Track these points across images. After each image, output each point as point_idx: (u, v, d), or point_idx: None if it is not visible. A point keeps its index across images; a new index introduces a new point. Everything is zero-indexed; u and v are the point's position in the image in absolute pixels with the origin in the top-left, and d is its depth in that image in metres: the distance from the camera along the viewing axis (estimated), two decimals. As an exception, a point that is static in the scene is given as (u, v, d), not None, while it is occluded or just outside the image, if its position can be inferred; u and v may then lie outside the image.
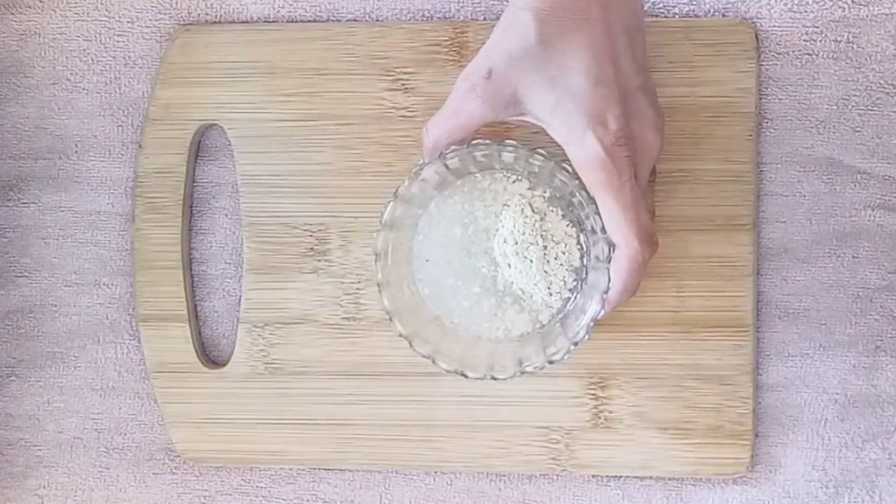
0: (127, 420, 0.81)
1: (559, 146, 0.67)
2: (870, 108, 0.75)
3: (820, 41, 0.75)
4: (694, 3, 0.76)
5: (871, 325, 0.76)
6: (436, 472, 0.79)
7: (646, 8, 0.76)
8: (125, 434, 0.81)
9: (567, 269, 0.70)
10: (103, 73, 0.80)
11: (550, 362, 0.69)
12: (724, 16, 0.76)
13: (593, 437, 0.76)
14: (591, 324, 0.68)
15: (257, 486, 0.80)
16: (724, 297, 0.75)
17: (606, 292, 0.68)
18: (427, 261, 0.72)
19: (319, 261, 0.77)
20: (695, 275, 0.75)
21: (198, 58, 0.78)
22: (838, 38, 0.75)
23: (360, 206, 0.77)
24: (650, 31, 0.71)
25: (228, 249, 0.80)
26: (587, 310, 0.69)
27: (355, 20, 0.78)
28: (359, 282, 0.77)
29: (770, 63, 0.75)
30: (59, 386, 0.81)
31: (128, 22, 0.79)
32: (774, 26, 0.75)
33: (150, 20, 0.79)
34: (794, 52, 0.75)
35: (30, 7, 0.80)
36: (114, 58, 0.79)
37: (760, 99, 0.75)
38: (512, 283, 0.70)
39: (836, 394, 0.76)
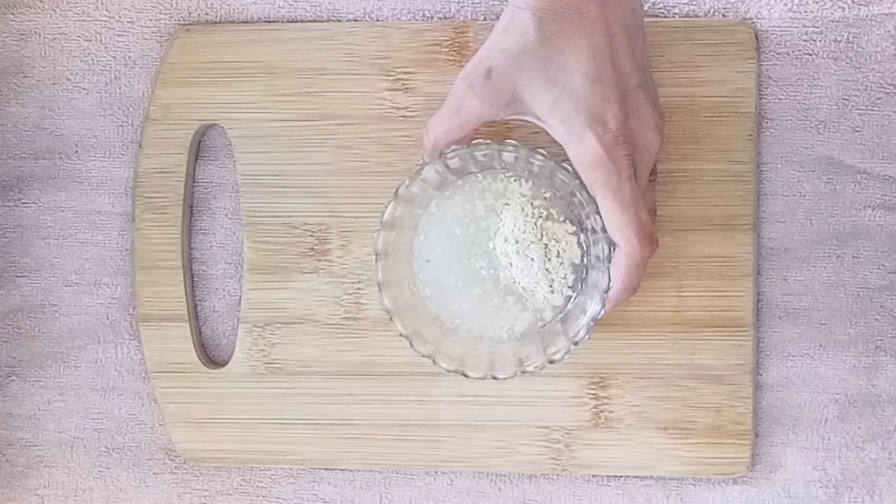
0: (127, 420, 0.81)
1: (559, 146, 0.67)
2: (870, 108, 0.75)
3: (820, 41, 0.75)
4: (694, 3, 0.76)
5: (871, 325, 0.76)
6: (436, 472, 0.79)
7: (646, 8, 0.76)
8: (125, 434, 0.81)
9: (568, 267, 0.70)
10: (103, 73, 0.80)
11: (551, 362, 0.69)
12: (724, 16, 0.76)
13: (593, 437, 0.76)
14: (592, 323, 0.68)
15: (257, 486, 0.80)
16: (723, 296, 0.75)
17: (607, 292, 0.68)
18: (427, 261, 0.72)
19: (319, 261, 0.77)
20: (695, 275, 0.75)
21: (198, 58, 0.78)
22: (838, 38, 0.75)
23: (360, 206, 0.77)
24: (650, 31, 0.71)
25: (228, 249, 0.80)
26: (587, 309, 0.69)
27: (355, 20, 0.78)
28: (359, 282, 0.77)
29: (770, 63, 0.75)
30: (59, 386, 0.81)
31: (128, 22, 0.79)
32: (774, 26, 0.75)
33: (150, 20, 0.79)
34: (794, 52, 0.75)
35: (30, 7, 0.80)
36: (114, 58, 0.79)
37: (760, 99, 0.75)
38: (514, 281, 0.70)
39: (836, 394, 0.76)
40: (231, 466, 0.80)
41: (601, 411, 0.76)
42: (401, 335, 0.70)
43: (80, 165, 0.80)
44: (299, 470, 0.80)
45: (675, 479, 0.77)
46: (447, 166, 0.69)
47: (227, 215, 0.79)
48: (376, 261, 0.70)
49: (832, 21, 0.75)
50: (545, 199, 0.70)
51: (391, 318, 0.70)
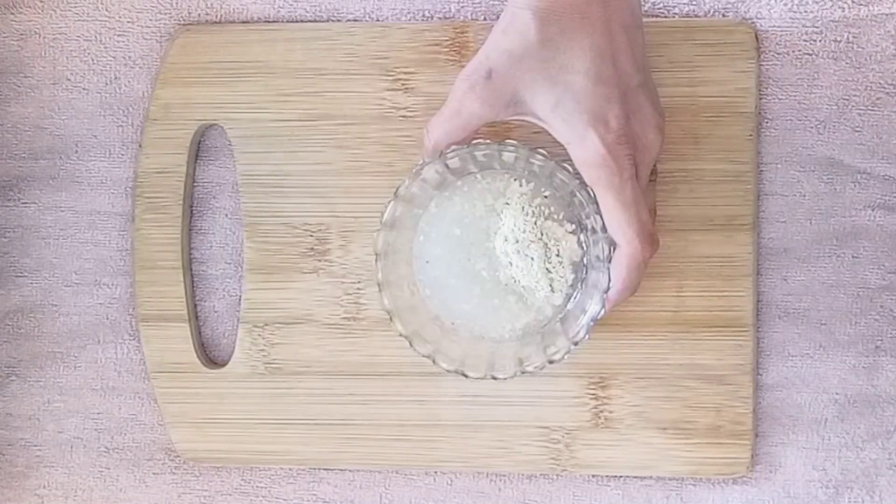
0: (127, 420, 0.81)
1: (559, 146, 0.67)
2: (870, 108, 0.75)
3: (820, 41, 0.75)
4: (694, 3, 0.76)
5: (871, 325, 0.76)
6: (436, 472, 0.79)
7: (645, 8, 0.76)
8: (125, 434, 0.81)
9: (568, 267, 0.70)
10: (103, 73, 0.80)
11: (551, 362, 0.69)
12: (724, 16, 0.76)
13: (593, 437, 0.76)
14: (592, 323, 0.69)
15: (257, 486, 0.80)
16: (723, 296, 0.75)
17: (607, 292, 0.68)
18: (427, 262, 0.72)
19: (319, 261, 0.77)
20: (695, 275, 0.75)
21: (198, 58, 0.78)
22: (838, 38, 0.75)
23: (360, 206, 0.77)
24: (650, 31, 0.72)
25: (228, 249, 0.80)
26: (587, 309, 0.69)
27: (355, 20, 0.78)
28: (359, 282, 0.77)
29: (770, 63, 0.75)
30: (59, 386, 0.81)
31: (128, 22, 0.79)
32: (774, 26, 0.75)
33: (150, 20, 0.79)
34: (794, 52, 0.75)
35: (30, 7, 0.80)
36: (114, 58, 0.79)
37: (760, 99, 0.75)
38: (514, 281, 0.70)
39: (836, 394, 0.76)
40: (231, 466, 0.80)
41: (601, 411, 0.76)
42: (401, 335, 0.70)
43: (80, 165, 0.80)
44: (299, 470, 0.80)
45: (675, 479, 0.77)
46: (447, 166, 0.69)
47: (227, 215, 0.79)
48: (376, 261, 0.70)
49: (832, 21, 0.75)
50: (545, 198, 0.70)
51: (391, 319, 0.70)
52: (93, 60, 0.79)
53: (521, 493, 0.78)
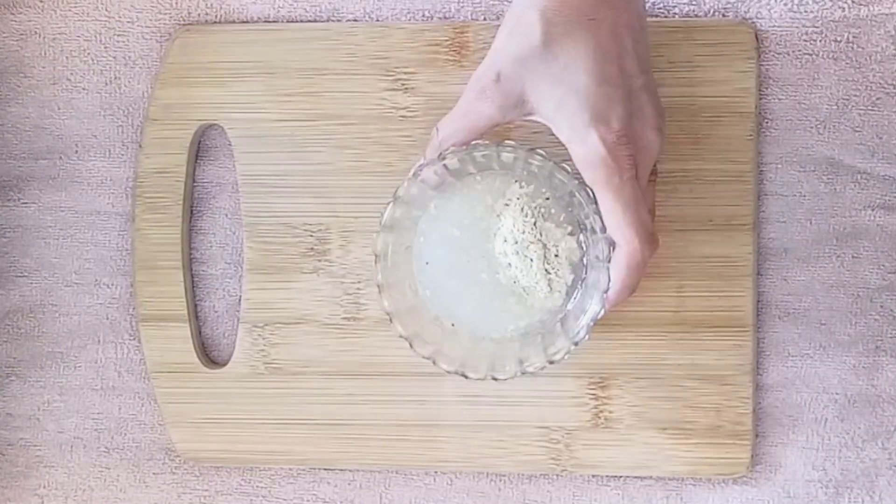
0: (127, 420, 0.81)
1: (558, 147, 0.67)
2: (870, 108, 0.75)
3: (820, 41, 0.75)
4: (694, 3, 0.76)
5: (871, 325, 0.76)
6: (436, 472, 0.79)
7: (646, 8, 0.75)
8: (125, 434, 0.81)
9: (567, 268, 0.70)
10: (103, 73, 0.80)
11: (551, 362, 0.69)
12: (724, 16, 0.76)
13: (593, 437, 0.76)
14: (591, 323, 0.68)
15: (257, 486, 0.80)
16: (723, 296, 0.75)
17: (606, 292, 0.68)
18: (427, 263, 0.72)
19: (319, 261, 0.77)
20: (695, 275, 0.75)
21: (198, 58, 0.78)
22: (838, 38, 0.75)
23: (360, 206, 0.77)
24: (650, 31, 0.71)
25: (228, 249, 0.80)
26: (587, 310, 0.69)
27: (355, 20, 0.78)
28: (359, 282, 0.77)
29: (770, 63, 0.75)
30: (59, 386, 0.81)
31: (128, 22, 0.79)
32: (774, 26, 0.75)
33: (150, 20, 0.79)
34: (794, 52, 0.75)
35: (30, 7, 0.80)
36: (114, 58, 0.79)
37: (760, 99, 0.75)
38: (514, 282, 0.70)
39: (836, 394, 0.76)
40: (231, 466, 0.80)
41: (601, 411, 0.76)
42: (401, 337, 0.70)
43: (80, 165, 0.80)
44: (299, 470, 0.80)
45: (674, 479, 0.77)
46: (446, 167, 0.69)
47: (227, 215, 0.79)
48: (376, 262, 0.70)
49: (832, 21, 0.75)
50: (544, 199, 0.70)
51: (391, 320, 0.70)
52: (93, 60, 0.80)
53: (521, 493, 0.78)
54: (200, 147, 0.79)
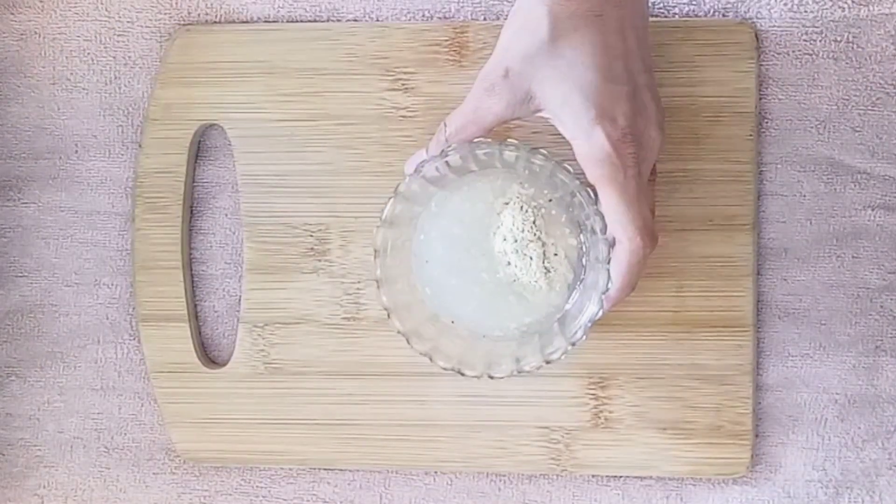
0: (127, 420, 0.81)
1: (560, 146, 0.67)
2: (870, 108, 0.75)
3: (820, 41, 0.75)
4: (694, 3, 0.76)
5: (871, 325, 0.76)
6: (436, 472, 0.79)
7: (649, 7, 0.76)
8: (125, 434, 0.81)
9: (567, 267, 0.70)
10: (103, 73, 0.80)
11: (548, 362, 0.69)
12: (724, 16, 0.76)
13: (593, 437, 0.76)
14: (589, 324, 0.68)
15: (257, 486, 0.80)
16: (723, 296, 0.75)
17: (605, 292, 0.68)
18: (427, 261, 0.71)
19: (319, 261, 0.77)
20: (695, 275, 0.75)
21: (198, 58, 0.78)
22: (838, 38, 0.75)
23: (360, 206, 0.77)
24: (650, 31, 0.71)
25: (228, 249, 0.80)
26: (585, 310, 0.69)
27: (355, 20, 0.78)
28: (359, 282, 0.77)
29: (770, 63, 0.75)
30: (59, 386, 0.81)
31: (128, 22, 0.79)
32: (774, 26, 0.75)
33: (150, 20, 0.79)
34: (794, 52, 0.75)
35: (30, 7, 0.80)
36: (114, 58, 0.79)
37: (760, 99, 0.75)
38: (513, 280, 0.70)
39: (836, 394, 0.76)
40: (231, 466, 0.80)
41: (601, 411, 0.76)
42: (398, 332, 0.70)
43: (80, 165, 0.80)
44: (299, 470, 0.80)
45: (674, 479, 0.77)
46: (448, 164, 0.69)
47: (227, 215, 0.79)
48: (375, 257, 0.70)
49: (832, 21, 0.75)
50: (545, 198, 0.70)
51: (389, 316, 0.70)
52: (93, 60, 0.80)
53: (521, 493, 0.78)
54: (200, 147, 0.79)
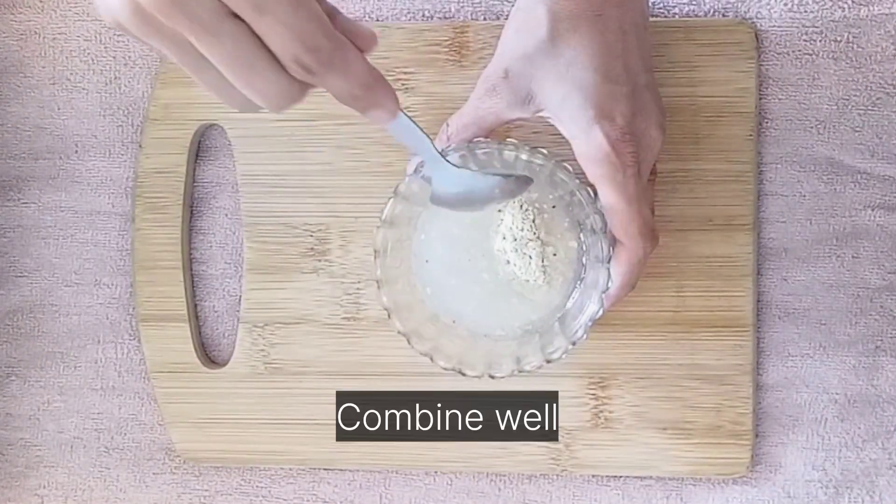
0: (127, 420, 0.81)
1: (560, 146, 0.67)
2: (870, 108, 0.75)
3: (820, 41, 0.75)
4: (694, 3, 0.76)
5: (871, 325, 0.76)
6: (436, 472, 0.79)
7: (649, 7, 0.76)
8: (125, 434, 0.81)
9: (566, 266, 0.70)
10: (103, 73, 0.80)
11: (548, 361, 0.69)
12: (724, 16, 0.76)
13: (593, 437, 0.76)
14: (590, 323, 0.68)
15: (257, 486, 0.80)
16: (723, 296, 0.75)
17: (605, 291, 0.68)
18: (427, 261, 0.71)
19: (319, 261, 0.77)
20: (695, 275, 0.75)
21: (198, 58, 0.78)
22: (838, 38, 0.75)
23: (360, 206, 0.77)
24: (650, 31, 0.71)
25: (228, 249, 0.80)
26: (585, 309, 0.69)
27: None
28: (359, 282, 0.77)
29: (770, 63, 0.75)
30: (59, 386, 0.81)
31: (128, 22, 0.79)
32: (774, 26, 0.75)
33: (151, 20, 0.79)
34: (794, 52, 0.75)
35: (30, 7, 0.80)
36: (114, 58, 0.79)
37: (760, 99, 0.75)
38: (512, 279, 0.70)
39: (836, 394, 0.76)
40: (231, 466, 0.80)
41: (601, 411, 0.76)
42: (399, 332, 0.70)
43: (80, 165, 0.80)
44: (299, 470, 0.80)
45: (674, 479, 0.77)
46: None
47: (227, 215, 0.79)
48: (375, 257, 0.70)
49: (832, 21, 0.75)
50: (545, 197, 0.70)
51: (389, 316, 0.70)
52: (93, 60, 0.80)
53: (521, 493, 0.78)
54: (200, 147, 0.79)
